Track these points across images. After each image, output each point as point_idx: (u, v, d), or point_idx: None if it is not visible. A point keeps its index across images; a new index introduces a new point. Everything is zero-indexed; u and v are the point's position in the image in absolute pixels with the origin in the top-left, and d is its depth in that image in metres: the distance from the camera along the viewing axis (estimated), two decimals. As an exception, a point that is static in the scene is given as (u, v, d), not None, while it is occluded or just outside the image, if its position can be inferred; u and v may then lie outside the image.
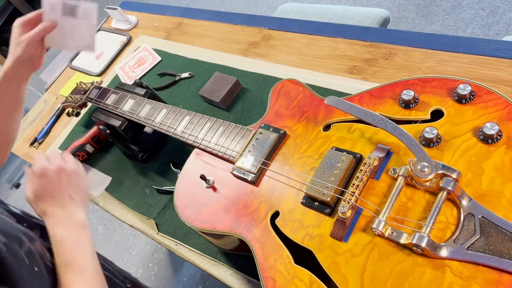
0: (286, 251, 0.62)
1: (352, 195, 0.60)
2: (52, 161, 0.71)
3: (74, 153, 1.09)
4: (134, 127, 0.97)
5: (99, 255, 0.71)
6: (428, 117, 0.64)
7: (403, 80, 0.68)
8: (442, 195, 0.55)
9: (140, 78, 1.24)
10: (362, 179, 0.61)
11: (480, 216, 0.53)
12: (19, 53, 0.79)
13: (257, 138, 0.75)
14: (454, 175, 0.55)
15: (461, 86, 0.62)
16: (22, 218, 0.74)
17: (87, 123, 1.22)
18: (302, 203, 0.65)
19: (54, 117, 1.30)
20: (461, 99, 0.62)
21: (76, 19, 0.82)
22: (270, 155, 0.73)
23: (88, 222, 0.68)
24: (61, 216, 0.66)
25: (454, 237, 0.53)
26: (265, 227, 0.65)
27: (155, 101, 0.92)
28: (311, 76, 0.97)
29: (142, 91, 0.96)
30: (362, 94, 0.71)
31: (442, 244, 0.53)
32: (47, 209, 0.66)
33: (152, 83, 1.20)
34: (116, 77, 1.29)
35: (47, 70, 1.49)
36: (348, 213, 0.59)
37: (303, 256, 0.61)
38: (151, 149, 1.02)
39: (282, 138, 0.74)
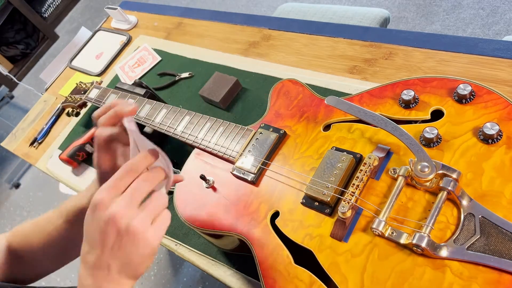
0: (286, 251, 0.62)
1: (352, 195, 0.60)
2: (121, 199, 0.47)
3: (74, 153, 1.09)
4: (134, 127, 0.97)
5: None
6: (428, 117, 0.64)
7: (403, 80, 0.68)
8: (442, 195, 0.55)
9: (140, 78, 1.24)
10: (362, 179, 0.61)
11: (480, 216, 0.53)
12: None
13: (257, 138, 0.75)
14: (454, 175, 0.55)
15: (461, 86, 0.62)
16: None
17: (87, 123, 1.22)
18: (302, 203, 0.65)
19: (54, 117, 1.30)
20: (461, 99, 0.62)
21: None
22: (270, 155, 0.72)
23: None
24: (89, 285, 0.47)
25: (454, 237, 0.53)
26: (265, 227, 0.65)
27: (155, 101, 0.92)
28: (311, 76, 0.97)
29: (142, 91, 0.96)
30: (362, 94, 0.71)
31: (442, 244, 0.53)
32: (81, 271, 0.48)
33: (152, 83, 1.20)
34: (116, 77, 1.29)
35: (47, 70, 1.48)
36: (348, 213, 0.59)
37: (303, 256, 0.61)
38: (151, 149, 1.02)
39: (282, 138, 0.74)
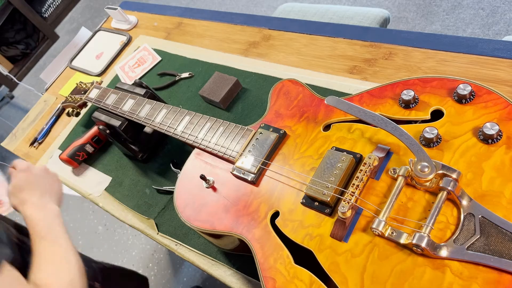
0: (286, 251, 0.62)
1: (352, 195, 0.60)
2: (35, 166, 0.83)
3: (74, 153, 1.09)
4: (134, 127, 0.97)
5: None
6: (428, 117, 0.64)
7: (403, 80, 0.68)
8: (442, 195, 0.55)
9: (140, 78, 1.24)
10: (362, 179, 0.61)
11: (480, 216, 0.53)
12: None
13: (257, 138, 0.75)
14: (454, 175, 0.55)
15: (461, 86, 0.62)
16: None
17: (87, 123, 1.22)
18: (302, 203, 0.65)
19: (54, 117, 1.30)
20: (461, 99, 0.62)
21: None
22: (270, 155, 0.73)
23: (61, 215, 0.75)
24: (38, 203, 0.74)
25: (454, 237, 0.53)
26: (265, 227, 0.65)
27: (155, 101, 0.92)
28: (311, 76, 0.97)
29: (142, 91, 0.96)
30: (362, 94, 0.71)
31: (442, 244, 0.53)
32: (25, 198, 0.75)
33: (152, 83, 1.20)
34: (116, 77, 1.29)
35: (47, 70, 1.49)
36: (348, 213, 0.59)
37: (303, 256, 0.61)
38: (151, 149, 1.02)
39: (282, 138, 0.74)
